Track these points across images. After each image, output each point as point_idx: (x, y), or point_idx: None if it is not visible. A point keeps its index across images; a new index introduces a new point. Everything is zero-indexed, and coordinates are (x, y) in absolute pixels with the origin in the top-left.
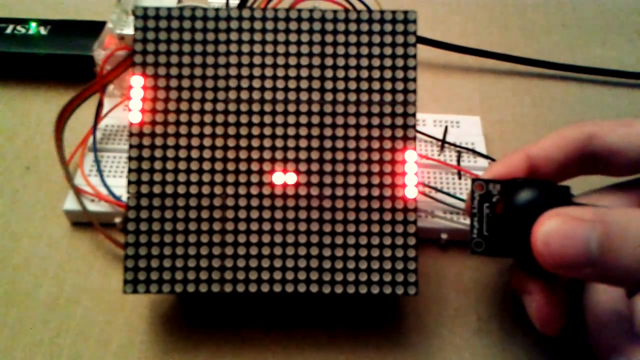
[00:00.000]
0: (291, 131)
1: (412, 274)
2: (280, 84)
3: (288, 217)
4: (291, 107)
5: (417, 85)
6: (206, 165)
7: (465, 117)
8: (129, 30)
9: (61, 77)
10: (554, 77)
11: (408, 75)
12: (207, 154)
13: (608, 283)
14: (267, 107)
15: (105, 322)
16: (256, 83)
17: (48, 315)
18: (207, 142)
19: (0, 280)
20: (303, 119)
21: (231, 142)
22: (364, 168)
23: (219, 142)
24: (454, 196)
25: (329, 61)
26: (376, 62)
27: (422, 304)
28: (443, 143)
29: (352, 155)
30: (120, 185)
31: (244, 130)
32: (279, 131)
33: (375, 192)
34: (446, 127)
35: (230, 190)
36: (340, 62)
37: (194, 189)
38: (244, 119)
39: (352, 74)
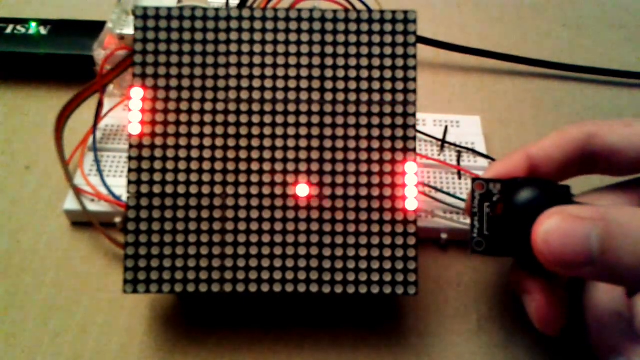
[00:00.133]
0: (291, 131)
1: (412, 274)
2: (280, 83)
3: (288, 217)
4: (291, 107)
5: (417, 85)
6: (206, 165)
7: (465, 117)
8: (129, 30)
9: (61, 77)
10: (554, 77)
11: (408, 75)
12: (207, 153)
13: (608, 282)
14: (267, 107)
15: (105, 322)
16: (256, 83)
17: (48, 315)
18: (207, 142)
19: (0, 280)
20: (303, 119)
21: (231, 142)
22: (364, 168)
23: (219, 142)
24: (454, 196)
25: (329, 61)
26: (376, 62)
27: (422, 304)
28: (443, 143)
29: (352, 155)
30: (120, 185)
31: (244, 130)
32: (279, 131)
33: (376, 192)
34: (446, 127)
35: (230, 190)
36: (340, 62)
37: (194, 189)
38: (244, 118)
39: (352, 73)
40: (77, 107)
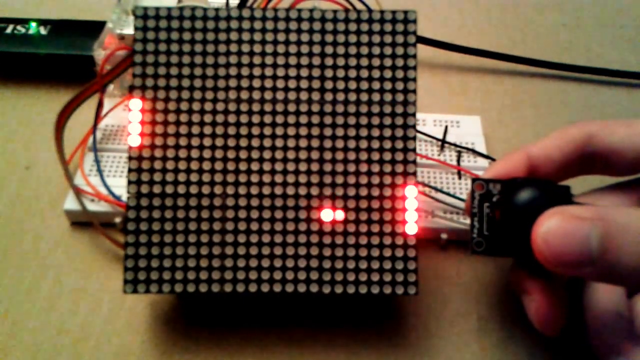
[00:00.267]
0: (291, 131)
1: (412, 274)
2: (280, 83)
3: (288, 217)
4: (291, 107)
5: (417, 85)
6: (206, 165)
7: (465, 117)
8: (129, 30)
9: (61, 77)
10: (554, 77)
11: (408, 75)
12: (207, 153)
13: (608, 282)
14: (267, 107)
15: (105, 322)
16: (256, 83)
17: (48, 315)
18: (207, 141)
19: (0, 280)
20: (303, 119)
21: (231, 142)
22: (364, 168)
23: (219, 142)
24: (454, 196)
25: (329, 61)
26: (376, 62)
27: (422, 304)
28: (443, 143)
29: (352, 155)
30: (120, 185)
31: (244, 130)
32: (279, 131)
33: (375, 192)
34: (446, 127)
35: (230, 190)
36: (340, 62)
37: (194, 189)
38: (244, 118)
39: (352, 73)
40: (77, 107)
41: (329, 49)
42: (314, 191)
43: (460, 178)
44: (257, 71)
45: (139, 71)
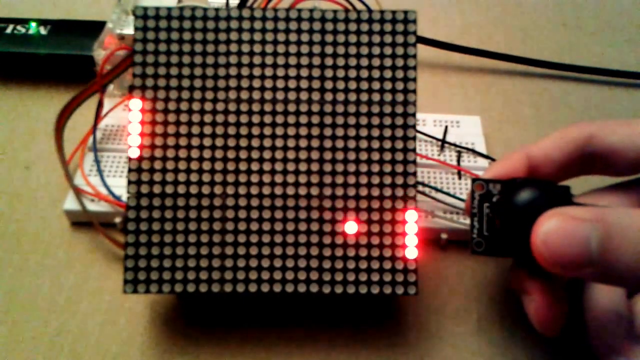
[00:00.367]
0: (291, 131)
1: (412, 274)
2: (280, 83)
3: (288, 217)
4: (291, 107)
5: (417, 85)
6: (206, 165)
7: (465, 117)
8: (129, 30)
9: (61, 77)
10: (554, 77)
11: (408, 75)
12: (207, 153)
13: (608, 283)
14: (267, 107)
15: (105, 322)
16: (256, 83)
17: (48, 315)
18: (207, 141)
19: (1, 280)
20: (303, 119)
21: (231, 142)
22: (364, 168)
23: (219, 142)
24: (454, 196)
25: (329, 61)
26: (376, 62)
27: (422, 304)
28: (443, 143)
29: (352, 156)
30: (120, 185)
31: (244, 130)
32: (279, 131)
33: (376, 192)
34: (446, 127)
35: (230, 190)
36: (340, 62)
37: (194, 189)
38: (244, 118)
39: (352, 73)
40: (77, 107)
41: (329, 49)
42: (314, 191)
43: (460, 178)
44: (257, 71)
45: (139, 71)
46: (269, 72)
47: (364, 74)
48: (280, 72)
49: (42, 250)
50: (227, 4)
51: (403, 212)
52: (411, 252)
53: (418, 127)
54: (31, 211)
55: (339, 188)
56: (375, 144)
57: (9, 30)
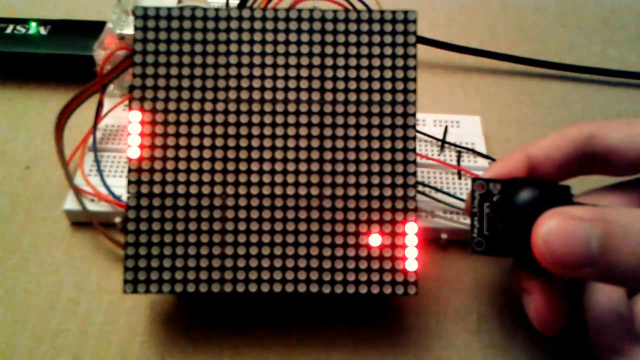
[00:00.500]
0: (291, 131)
1: (412, 274)
2: (280, 83)
3: (288, 217)
4: (291, 107)
5: (417, 85)
6: (206, 165)
7: (465, 117)
8: (129, 30)
9: (61, 77)
10: (554, 77)
11: (408, 75)
12: (207, 153)
13: (608, 283)
14: (267, 107)
15: (105, 322)
16: (256, 83)
17: (48, 315)
18: (207, 141)
19: (1, 280)
20: (303, 119)
21: (231, 142)
22: (364, 168)
23: (219, 142)
24: (454, 196)
25: (329, 61)
26: (376, 62)
27: (422, 304)
28: (443, 143)
29: (352, 155)
30: (120, 185)
31: (244, 130)
32: (279, 131)
33: (376, 192)
34: (446, 127)
35: (230, 190)
36: (340, 62)
37: (194, 189)
38: (244, 118)
39: (352, 74)
40: (77, 107)
41: (329, 49)
42: (314, 191)
43: (460, 178)
44: (257, 71)
45: (139, 71)
46: (269, 72)
47: (364, 74)
48: (280, 72)
49: (42, 250)
50: (227, 4)
51: (403, 213)
52: (411, 252)
53: (418, 127)
54: (31, 211)
55: (339, 188)
56: (375, 144)
57: (9, 30)
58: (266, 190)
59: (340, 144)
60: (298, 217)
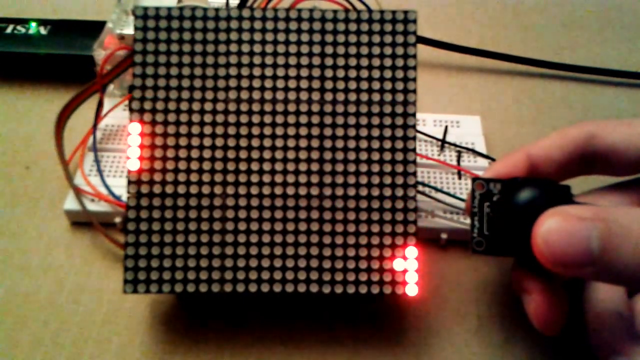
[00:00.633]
0: (291, 131)
1: (412, 274)
2: (280, 83)
3: (288, 217)
4: (291, 107)
5: (417, 85)
6: (206, 165)
7: (465, 117)
8: (129, 30)
9: (61, 77)
10: (554, 77)
11: (408, 75)
12: (207, 153)
13: (608, 282)
14: (267, 107)
15: (105, 322)
16: (256, 83)
17: (48, 315)
18: (207, 142)
19: (0, 280)
20: (303, 119)
21: (231, 142)
22: (364, 168)
23: (219, 142)
24: (454, 196)
25: (329, 61)
26: (376, 62)
27: (422, 303)
28: (443, 143)
29: (352, 155)
30: (120, 185)
31: (244, 130)
32: (279, 131)
33: (376, 192)
34: (446, 127)
35: (230, 190)
36: (340, 62)
37: (194, 189)
38: (244, 118)
39: (352, 73)
40: (77, 107)
41: (329, 49)
42: (314, 191)
43: (460, 178)
44: (257, 71)
45: (139, 71)
46: (269, 72)
47: (364, 74)
48: (280, 72)
49: (42, 250)
50: (227, 4)
51: (403, 213)
52: (411, 251)
53: (418, 127)
54: (31, 211)
55: (339, 188)
56: (375, 144)
57: (9, 30)
58: (266, 190)
59: (340, 144)
60: (298, 217)
